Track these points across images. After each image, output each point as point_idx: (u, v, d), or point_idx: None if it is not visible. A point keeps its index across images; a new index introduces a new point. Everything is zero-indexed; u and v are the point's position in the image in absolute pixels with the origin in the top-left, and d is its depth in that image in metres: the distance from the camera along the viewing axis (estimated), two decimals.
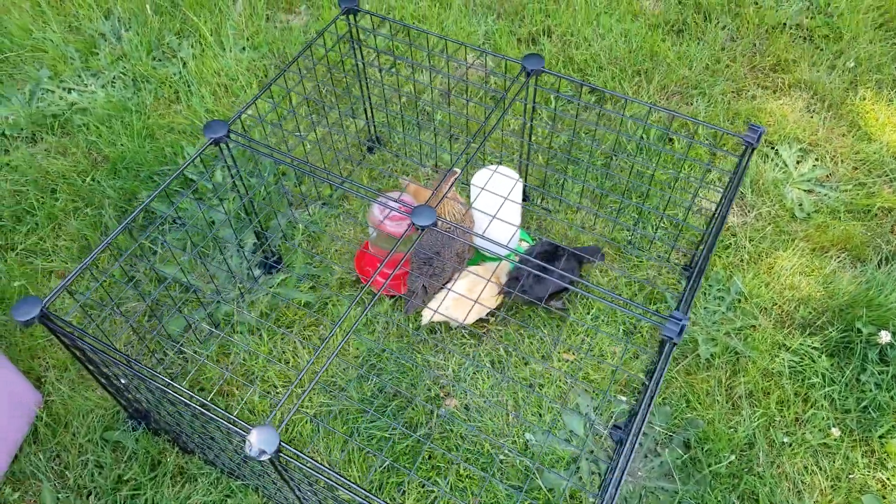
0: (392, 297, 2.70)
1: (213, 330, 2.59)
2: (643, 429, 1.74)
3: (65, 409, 2.43)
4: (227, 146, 2.29)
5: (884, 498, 2.24)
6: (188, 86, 3.36)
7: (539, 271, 2.32)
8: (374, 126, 3.09)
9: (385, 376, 2.50)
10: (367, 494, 1.58)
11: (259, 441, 1.59)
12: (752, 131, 2.17)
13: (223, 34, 3.53)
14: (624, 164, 2.98)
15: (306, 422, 2.41)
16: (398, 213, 2.56)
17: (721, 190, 2.32)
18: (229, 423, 1.67)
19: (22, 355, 2.55)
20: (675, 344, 1.80)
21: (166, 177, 2.98)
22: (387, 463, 2.30)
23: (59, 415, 2.43)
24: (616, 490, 1.61)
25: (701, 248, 2.47)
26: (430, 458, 2.34)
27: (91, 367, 2.09)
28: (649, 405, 1.73)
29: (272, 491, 2.23)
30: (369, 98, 2.93)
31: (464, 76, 3.28)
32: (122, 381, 2.12)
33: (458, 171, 2.36)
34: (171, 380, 1.79)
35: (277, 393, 2.49)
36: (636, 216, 2.84)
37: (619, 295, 2.42)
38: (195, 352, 2.55)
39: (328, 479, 1.61)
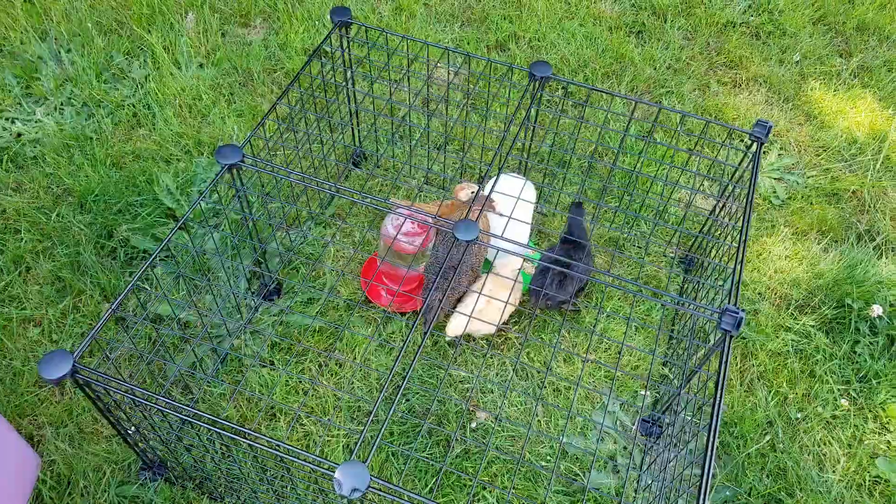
0: (404, 314, 2.64)
1: (220, 366, 2.45)
2: (711, 426, 1.79)
3: (68, 469, 2.23)
4: (239, 171, 2.18)
5: (894, 458, 2.41)
6: (148, 108, 3.16)
7: (563, 269, 2.34)
8: (360, 140, 3.02)
9: (411, 396, 2.45)
10: None
11: (349, 479, 1.52)
12: (761, 127, 2.28)
13: (177, 52, 3.34)
14: (627, 163, 3.05)
15: (346, 452, 2.32)
16: (410, 226, 2.53)
17: (717, 185, 2.42)
18: (313, 463, 1.59)
19: (10, 414, 2.32)
20: (732, 337, 1.86)
21: (143, 207, 2.79)
22: (433, 482, 2.26)
23: (62, 475, 2.23)
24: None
25: (726, 241, 2.56)
26: (469, 475, 2.31)
27: (112, 419, 1.93)
28: (720, 399, 1.78)
29: None
30: (357, 112, 2.86)
31: (462, 85, 3.26)
32: (144, 429, 1.96)
33: (476, 185, 2.34)
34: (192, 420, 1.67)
35: (304, 426, 2.38)
36: (635, 214, 2.92)
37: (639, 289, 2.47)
38: (206, 390, 2.40)
39: None
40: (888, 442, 2.46)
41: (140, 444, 2.07)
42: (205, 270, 2.60)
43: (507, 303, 2.30)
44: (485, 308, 2.48)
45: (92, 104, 3.16)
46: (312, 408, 2.40)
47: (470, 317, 2.37)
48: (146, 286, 2.60)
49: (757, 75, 3.48)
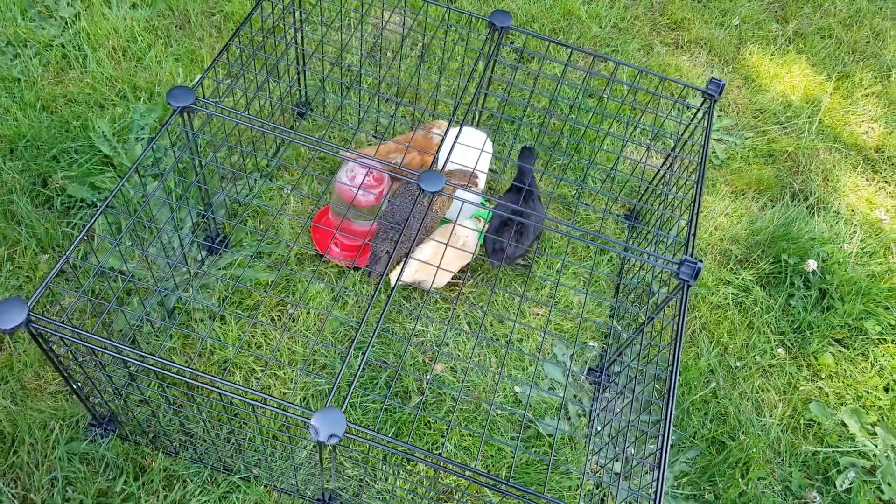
0: (358, 268, 2.61)
1: (168, 320, 2.37)
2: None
3: (13, 426, 2.12)
4: (191, 115, 2.08)
5: (826, 403, 2.57)
6: (79, 49, 2.96)
7: (520, 219, 2.36)
8: (305, 90, 2.93)
9: (367, 349, 2.43)
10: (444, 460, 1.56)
11: (326, 425, 1.51)
12: (714, 85, 2.33)
13: None
14: (580, 119, 3.07)
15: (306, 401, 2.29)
16: (366, 178, 2.48)
17: (670, 141, 2.49)
18: (288, 411, 1.56)
19: None
20: (689, 286, 1.93)
21: (79, 154, 2.63)
22: (392, 431, 2.26)
23: (5, 433, 2.11)
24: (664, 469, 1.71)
25: (676, 194, 2.63)
26: (427, 424, 2.33)
27: (65, 372, 1.84)
28: (678, 350, 1.85)
29: (278, 477, 2.12)
30: (304, 59, 2.77)
31: (412, 31, 3.19)
32: (97, 383, 1.88)
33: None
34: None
35: (259, 379, 2.34)
36: (583, 171, 2.96)
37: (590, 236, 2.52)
38: (155, 344, 2.32)
39: (397, 450, 1.56)
40: (820, 388, 2.62)
41: (90, 399, 1.98)
42: (149, 221, 2.49)
43: (458, 249, 2.27)
44: (432, 258, 2.47)
45: (17, 44, 2.93)
46: (268, 360, 2.35)
47: (398, 279, 2.34)
48: (87, 238, 2.46)
49: (698, 37, 3.56)
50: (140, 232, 2.53)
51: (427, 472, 2.24)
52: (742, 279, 2.79)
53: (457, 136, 2.16)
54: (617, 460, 2.23)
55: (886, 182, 3.24)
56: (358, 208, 2.48)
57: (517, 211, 2.47)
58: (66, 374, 1.84)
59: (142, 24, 3.08)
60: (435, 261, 2.45)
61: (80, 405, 2.16)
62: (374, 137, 2.93)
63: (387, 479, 2.10)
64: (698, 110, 2.37)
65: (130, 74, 2.94)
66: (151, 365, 1.60)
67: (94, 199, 2.55)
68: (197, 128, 2.23)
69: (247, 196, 2.68)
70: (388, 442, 1.56)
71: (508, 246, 2.50)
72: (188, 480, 2.12)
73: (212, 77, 2.31)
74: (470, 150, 2.52)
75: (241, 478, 2.13)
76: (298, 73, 2.83)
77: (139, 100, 2.88)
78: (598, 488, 2.26)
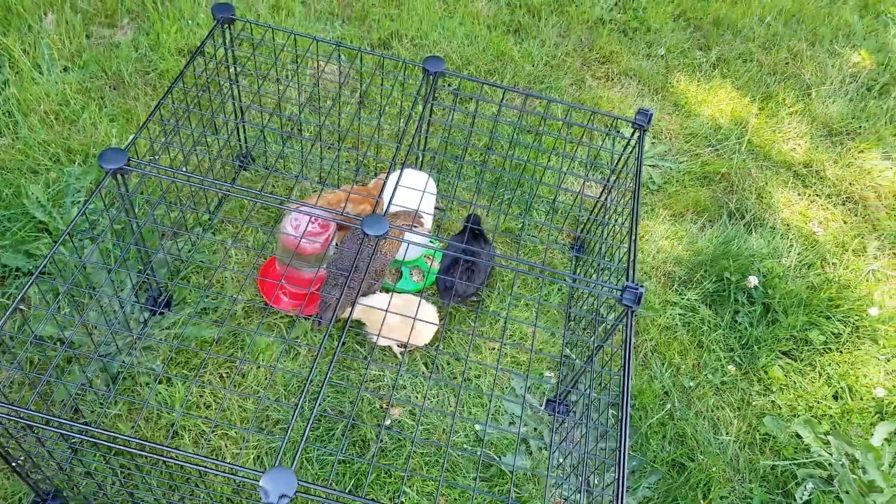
0: (308, 317, 2.58)
1: (112, 388, 2.29)
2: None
3: None
4: (124, 176, 2.04)
5: (779, 415, 2.62)
6: (9, 115, 2.90)
7: (471, 258, 2.37)
8: (246, 143, 2.92)
9: (322, 400, 2.40)
10: None
11: (276, 485, 1.47)
12: (643, 115, 2.41)
13: (38, 55, 3.09)
14: (518, 155, 3.12)
15: (259, 460, 2.23)
16: (311, 226, 2.46)
17: (605, 172, 2.55)
18: (236, 474, 1.52)
19: None
20: (633, 311, 1.96)
21: (12, 221, 2.56)
22: (351, 484, 2.22)
23: None
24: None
25: (606, 225, 2.67)
26: (387, 473, 2.29)
27: (1, 451, 1.76)
28: (628, 375, 1.87)
29: None
30: (241, 112, 2.76)
31: (352, 83, 3.21)
32: (36, 458, 1.81)
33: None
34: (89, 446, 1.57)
35: (210, 441, 2.27)
36: (526, 205, 3.00)
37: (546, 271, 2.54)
38: (98, 412, 2.24)
39: None
40: (772, 402, 2.67)
41: (32, 476, 1.89)
42: (87, 286, 2.42)
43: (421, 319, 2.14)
44: (405, 321, 2.43)
45: None
46: (216, 423, 2.29)
47: (378, 336, 2.30)
48: (22, 306, 2.38)
49: (627, 69, 3.68)
50: (79, 297, 2.46)
51: None
52: (688, 299, 2.84)
53: (398, 179, 2.17)
54: (579, 492, 2.22)
55: (817, 195, 3.37)
56: (304, 256, 2.46)
57: (467, 250, 2.49)
58: (3, 453, 1.76)
59: (74, 87, 3.04)
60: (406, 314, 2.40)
61: (22, 482, 2.06)
62: (319, 184, 2.92)
63: None
64: (630, 140, 2.44)
65: (64, 138, 2.89)
66: (95, 437, 1.55)
67: (29, 267, 2.48)
68: (134, 187, 2.19)
69: (188, 252, 2.64)
70: (344, 498, 1.53)
71: (460, 284, 2.51)
72: None
73: (146, 136, 2.29)
74: (413, 191, 2.54)
75: None
76: (237, 126, 2.82)
77: (74, 163, 2.83)
78: None
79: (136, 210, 2.51)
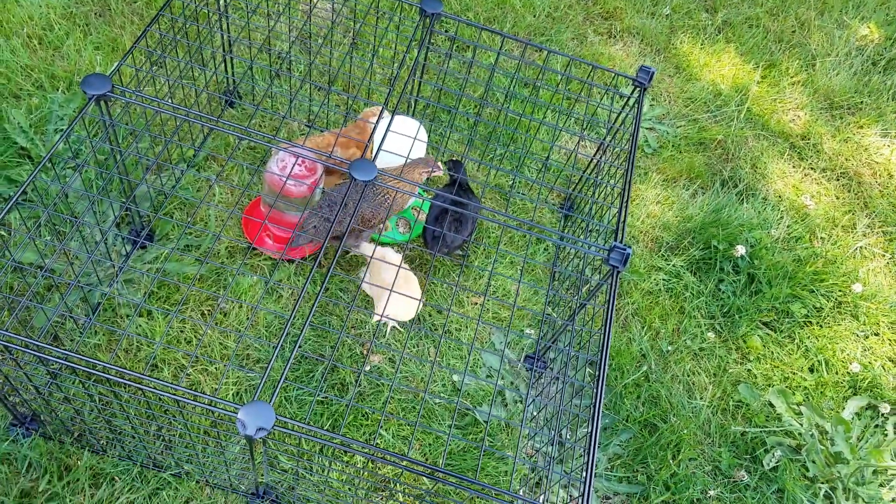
0: (292, 261, 2.56)
1: (92, 318, 2.28)
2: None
3: None
4: (108, 104, 1.99)
5: (754, 384, 2.64)
6: None
7: (459, 210, 2.35)
8: (234, 78, 2.85)
9: (303, 342, 2.40)
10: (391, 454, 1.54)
11: (253, 418, 1.47)
12: (644, 73, 2.36)
13: None
14: (514, 108, 3.07)
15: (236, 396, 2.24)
16: (298, 168, 2.42)
17: (602, 130, 2.51)
18: (215, 406, 1.52)
19: None
20: (619, 272, 1.95)
21: None
22: (328, 424, 2.23)
23: None
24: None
25: (613, 179, 2.65)
26: (364, 415, 2.30)
27: None
28: (608, 334, 1.87)
29: (210, 473, 2.06)
30: (229, 46, 2.69)
31: (342, 18, 3.13)
32: (15, 381, 1.80)
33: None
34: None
35: (189, 376, 2.27)
36: (518, 161, 2.96)
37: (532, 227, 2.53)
38: (79, 341, 2.23)
39: (332, 441, 1.54)
40: (748, 370, 2.69)
41: (10, 399, 1.89)
42: (69, 214, 2.39)
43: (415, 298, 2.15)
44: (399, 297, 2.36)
45: None
46: (198, 357, 2.29)
47: (382, 316, 2.25)
48: (2, 231, 2.35)
49: (630, 27, 3.60)
50: (60, 226, 2.43)
51: (364, 464, 2.22)
52: (673, 265, 2.84)
53: (389, 125, 2.13)
54: (551, 444, 2.25)
55: (812, 169, 3.35)
56: (290, 199, 2.43)
57: (456, 201, 2.46)
58: None
59: (59, 12, 2.95)
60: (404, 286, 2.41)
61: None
62: (306, 126, 2.87)
63: (323, 471, 2.07)
64: (629, 98, 2.40)
65: (47, 64, 2.81)
66: (74, 363, 1.54)
67: (10, 193, 2.44)
68: (118, 116, 2.14)
69: (172, 187, 2.60)
70: (321, 434, 1.53)
71: (447, 235, 2.49)
72: (116, 478, 2.05)
73: (131, 64, 2.23)
74: (403, 138, 2.50)
75: (171, 474, 2.07)
76: (224, 59, 2.75)
77: (57, 90, 2.76)
78: (533, 472, 2.28)
79: (120, 141, 2.46)
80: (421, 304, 2.44)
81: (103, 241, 2.36)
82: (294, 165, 2.22)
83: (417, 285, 2.46)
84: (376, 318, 2.44)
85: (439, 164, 2.44)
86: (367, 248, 2.48)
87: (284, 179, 2.31)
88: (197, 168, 2.70)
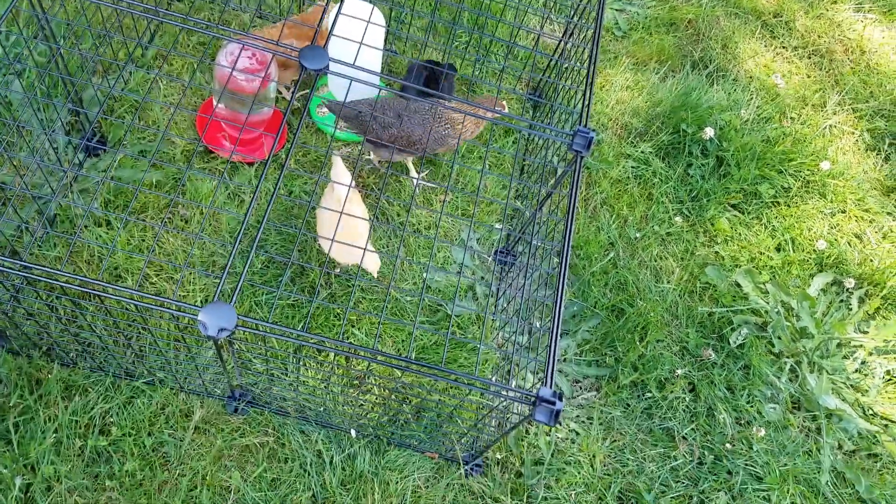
0: (251, 164, 2.48)
1: (50, 229, 2.22)
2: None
3: None
4: None
5: (722, 266, 2.68)
6: None
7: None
8: None
9: (269, 247, 2.37)
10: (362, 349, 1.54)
11: (214, 319, 1.46)
12: None
13: None
14: None
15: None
16: (249, 62, 2.31)
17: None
18: (173, 309, 1.50)
19: None
20: (582, 157, 1.91)
21: None
22: (301, 325, 2.24)
23: None
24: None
25: (579, 60, 2.57)
26: (336, 316, 2.31)
27: None
28: (571, 219, 1.85)
29: (184, 379, 2.08)
30: None
31: None
32: None
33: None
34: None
35: (154, 284, 2.25)
36: (485, 48, 2.85)
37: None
38: (37, 254, 2.18)
39: (301, 340, 1.54)
40: (716, 252, 2.72)
41: None
42: (14, 123, 2.28)
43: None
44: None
45: None
46: (161, 264, 2.26)
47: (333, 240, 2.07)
48: None
49: None
50: (6, 136, 2.32)
51: (338, 361, 2.24)
52: (642, 152, 2.81)
53: (339, 7, 2.01)
54: (521, 334, 2.28)
55: (783, 47, 3.27)
56: (243, 96, 2.33)
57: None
58: None
59: None
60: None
61: None
62: (258, 17, 2.73)
63: (298, 372, 2.10)
64: None
65: None
66: (35, 275, 1.50)
67: None
68: (53, 11, 2.00)
69: (122, 89, 2.48)
70: (289, 333, 1.53)
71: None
72: (89, 389, 2.06)
73: None
74: (357, 22, 2.38)
75: (144, 382, 2.09)
76: None
77: None
78: (504, 360, 2.32)
79: (62, 41, 2.32)
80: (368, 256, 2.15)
81: (52, 149, 2.27)
82: (240, 56, 2.12)
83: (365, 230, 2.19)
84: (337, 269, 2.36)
85: (504, 102, 2.42)
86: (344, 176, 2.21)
87: (230, 71, 2.21)
88: (146, 67, 2.58)
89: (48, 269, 1.49)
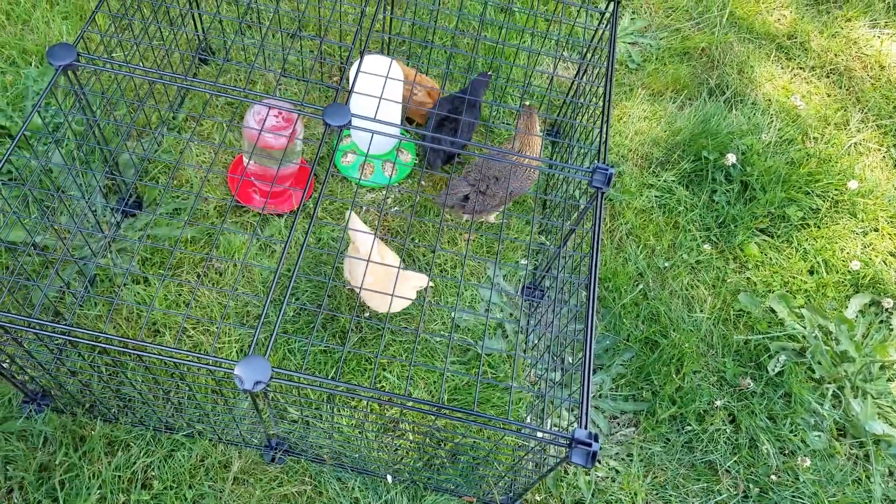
0: (281, 215, 2.55)
1: (90, 288, 2.30)
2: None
3: None
4: (76, 73, 1.96)
5: (754, 292, 2.65)
6: None
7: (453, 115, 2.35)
8: (204, 34, 2.80)
9: (300, 294, 2.41)
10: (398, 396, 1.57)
11: (250, 372, 1.49)
12: None
13: None
14: (491, 36, 3.00)
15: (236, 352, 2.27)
16: (275, 120, 2.40)
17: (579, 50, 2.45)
18: (210, 364, 1.55)
19: None
20: (604, 193, 1.94)
21: None
22: (333, 372, 2.27)
23: None
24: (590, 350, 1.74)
25: (591, 99, 2.60)
26: (367, 360, 2.33)
27: None
28: (597, 252, 1.87)
29: (222, 430, 2.11)
30: (197, 1, 2.63)
31: None
32: (19, 360, 1.83)
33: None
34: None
35: (191, 337, 2.30)
36: (501, 91, 2.91)
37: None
38: (79, 314, 2.26)
39: (334, 390, 1.56)
40: (748, 279, 2.69)
41: (18, 377, 1.93)
42: (55, 189, 2.39)
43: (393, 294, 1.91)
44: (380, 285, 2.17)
45: None
46: (198, 319, 2.32)
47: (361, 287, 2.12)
48: None
49: None
50: (48, 202, 2.43)
51: (368, 406, 2.26)
52: (664, 181, 2.81)
53: (359, 65, 2.08)
54: (554, 370, 2.28)
55: (800, 68, 3.27)
56: (270, 151, 2.41)
57: (454, 108, 2.48)
58: None
59: None
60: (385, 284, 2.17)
61: (9, 384, 2.11)
62: (282, 76, 2.83)
63: (332, 419, 2.12)
64: (605, 11, 2.34)
65: (17, 39, 2.77)
66: (77, 337, 1.56)
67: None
68: (90, 85, 2.11)
69: (155, 153, 2.58)
70: (322, 382, 1.56)
71: (446, 142, 2.47)
72: (131, 444, 2.11)
73: (94, 29, 2.19)
74: (376, 78, 2.45)
75: (184, 435, 2.13)
76: (192, 15, 2.69)
77: (30, 64, 2.73)
78: (538, 399, 2.32)
79: (97, 110, 2.44)
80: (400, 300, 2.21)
81: (91, 213, 2.37)
82: (268, 117, 2.20)
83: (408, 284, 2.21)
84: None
85: (533, 109, 2.48)
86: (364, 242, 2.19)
87: (258, 131, 2.29)
88: (177, 130, 2.68)
89: (90, 332, 1.55)
